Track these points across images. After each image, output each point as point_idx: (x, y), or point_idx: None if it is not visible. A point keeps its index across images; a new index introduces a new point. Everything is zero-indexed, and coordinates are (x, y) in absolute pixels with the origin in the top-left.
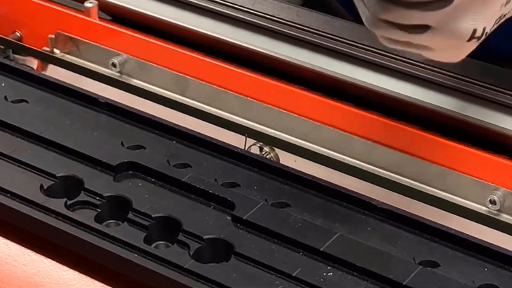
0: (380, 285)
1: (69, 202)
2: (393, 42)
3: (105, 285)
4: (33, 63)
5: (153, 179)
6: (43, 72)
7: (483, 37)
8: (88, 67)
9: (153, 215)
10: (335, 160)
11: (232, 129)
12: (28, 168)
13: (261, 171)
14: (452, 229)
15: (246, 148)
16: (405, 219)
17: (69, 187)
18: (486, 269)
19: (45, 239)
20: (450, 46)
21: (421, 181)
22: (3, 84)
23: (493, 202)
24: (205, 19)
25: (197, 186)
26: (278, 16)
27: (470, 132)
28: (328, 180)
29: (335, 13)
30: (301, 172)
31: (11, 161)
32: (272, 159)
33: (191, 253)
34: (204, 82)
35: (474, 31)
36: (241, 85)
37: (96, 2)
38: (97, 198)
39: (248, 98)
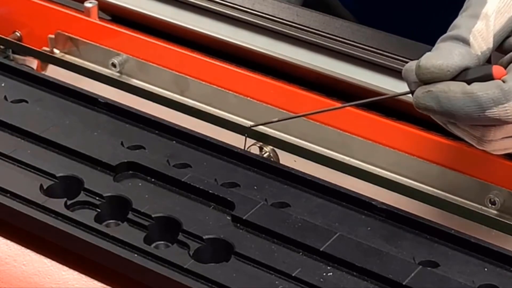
0: (380, 285)
1: (69, 202)
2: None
3: (105, 285)
4: (33, 63)
5: (153, 179)
6: (43, 72)
7: None
8: (88, 67)
9: (153, 215)
10: (335, 160)
11: (232, 129)
12: (28, 168)
13: (261, 171)
14: (452, 229)
15: (246, 148)
16: (405, 219)
17: (69, 187)
18: (486, 269)
19: (45, 239)
20: None
21: (421, 181)
22: (3, 84)
23: (492, 202)
24: (205, 19)
25: (197, 186)
26: (278, 16)
27: None
28: (328, 180)
29: (336, 12)
30: (301, 172)
31: (11, 161)
32: (272, 159)
33: (191, 253)
34: (204, 82)
35: None
36: (241, 85)
37: (96, 2)
38: (97, 198)
39: (248, 98)
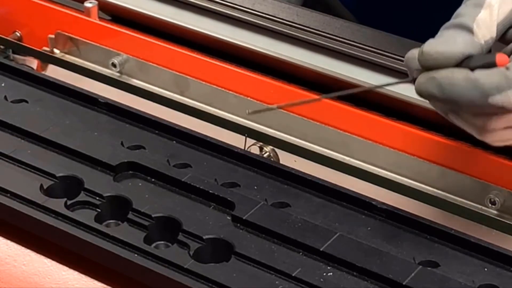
0: (380, 285)
1: (69, 202)
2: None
3: (105, 285)
4: (33, 63)
5: (153, 179)
6: (43, 72)
7: None
8: (88, 67)
9: (153, 215)
10: (335, 160)
11: (232, 129)
12: (28, 168)
13: (261, 171)
14: (452, 229)
15: (246, 148)
16: (405, 219)
17: (69, 187)
18: (486, 269)
19: (45, 239)
20: None
21: (421, 181)
22: (3, 84)
23: (493, 202)
24: (205, 19)
25: (197, 186)
26: (278, 16)
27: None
28: (328, 180)
29: (336, 12)
30: (301, 172)
31: (11, 161)
32: (272, 159)
33: (191, 253)
34: (204, 82)
35: None
36: (241, 85)
37: (96, 2)
38: (97, 198)
39: (248, 98)
